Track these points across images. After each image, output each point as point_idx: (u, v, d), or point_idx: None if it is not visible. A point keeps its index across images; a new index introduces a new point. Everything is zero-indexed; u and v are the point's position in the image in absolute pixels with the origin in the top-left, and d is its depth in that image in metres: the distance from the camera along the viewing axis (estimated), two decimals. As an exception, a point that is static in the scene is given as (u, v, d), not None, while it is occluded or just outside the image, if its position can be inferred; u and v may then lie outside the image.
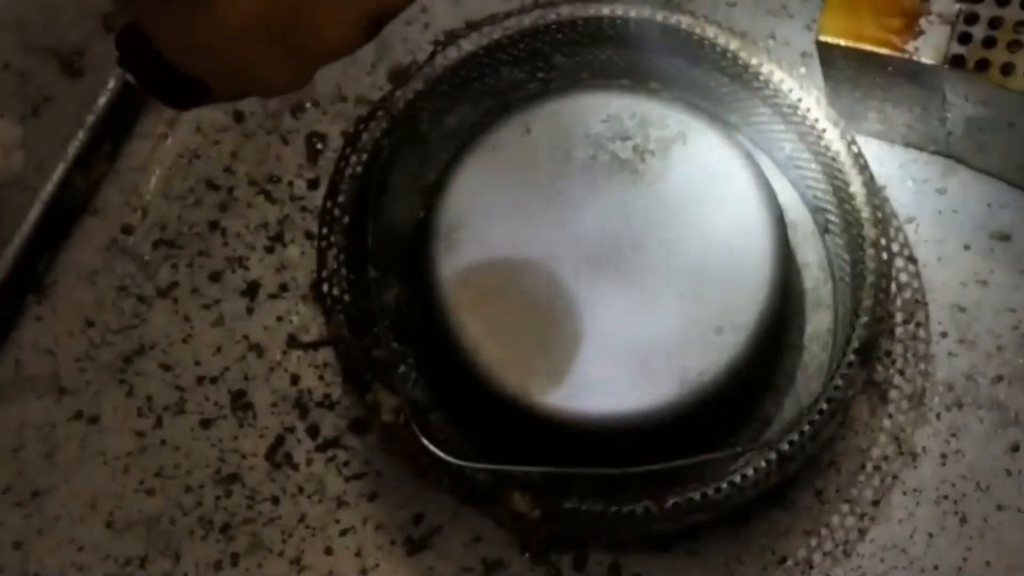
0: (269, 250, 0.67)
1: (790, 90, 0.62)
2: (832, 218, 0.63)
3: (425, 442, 0.56)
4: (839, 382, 0.57)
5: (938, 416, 0.62)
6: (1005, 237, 0.64)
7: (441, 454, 0.56)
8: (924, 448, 0.61)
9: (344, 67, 0.70)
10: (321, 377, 0.65)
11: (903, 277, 0.64)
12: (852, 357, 0.58)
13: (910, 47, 0.57)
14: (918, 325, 0.63)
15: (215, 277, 0.67)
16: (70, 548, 0.62)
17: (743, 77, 0.63)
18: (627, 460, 0.56)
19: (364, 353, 0.59)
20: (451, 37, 0.64)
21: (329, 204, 0.62)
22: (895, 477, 0.61)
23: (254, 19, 0.39)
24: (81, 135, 0.68)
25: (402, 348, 0.62)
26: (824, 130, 0.61)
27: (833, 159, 0.61)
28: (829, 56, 0.60)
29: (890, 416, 0.62)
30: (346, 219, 0.62)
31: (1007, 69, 0.55)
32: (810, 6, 0.70)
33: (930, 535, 0.60)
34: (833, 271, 0.63)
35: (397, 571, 0.61)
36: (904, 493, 0.61)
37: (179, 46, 0.40)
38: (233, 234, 0.68)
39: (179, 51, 0.40)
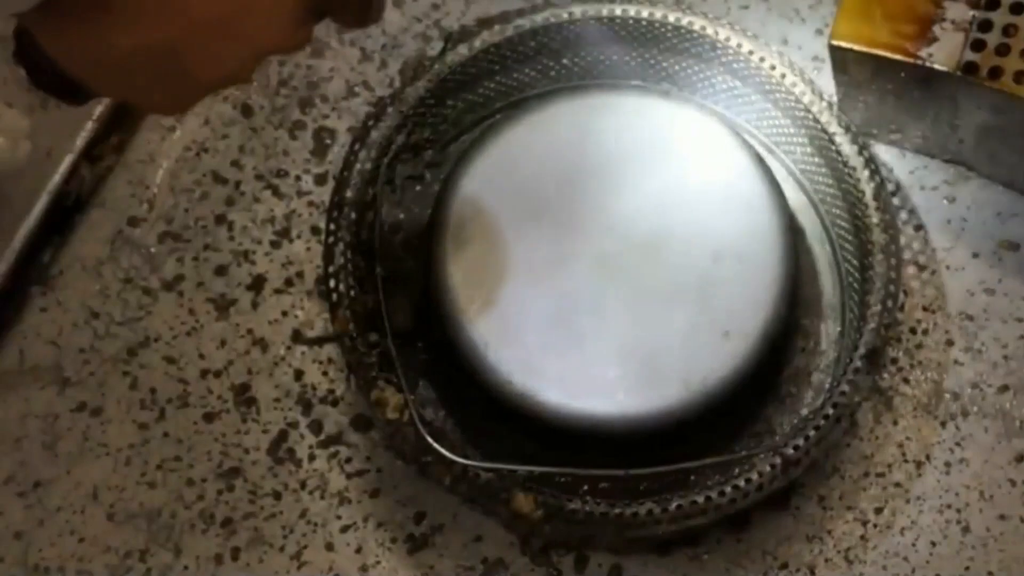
0: (275, 245, 0.67)
1: (802, 94, 0.62)
2: (841, 223, 0.62)
3: (429, 440, 0.56)
4: (845, 388, 0.57)
5: (943, 424, 0.62)
6: (1014, 246, 0.64)
7: (445, 452, 0.56)
8: (928, 456, 0.61)
9: (354, 63, 0.70)
10: (325, 373, 0.64)
11: (911, 284, 0.63)
12: (859, 363, 0.57)
13: (923, 53, 0.57)
14: (925, 333, 0.63)
15: (221, 271, 0.67)
16: (71, 539, 0.62)
17: (755, 80, 0.63)
18: (632, 462, 0.56)
19: (369, 350, 0.59)
20: (462, 34, 0.64)
21: (337, 199, 0.62)
22: (899, 485, 0.61)
23: (138, 47, 0.41)
24: (89, 127, 0.68)
25: (408, 346, 0.62)
26: (835, 135, 0.61)
27: (844, 164, 0.61)
28: (842, 61, 0.60)
29: (895, 423, 0.62)
30: (353, 215, 0.62)
31: (1020, 77, 0.55)
32: (822, 11, 0.69)
33: (933, 544, 0.60)
34: (841, 276, 0.63)
35: (397, 569, 0.61)
36: (907, 501, 0.60)
37: (65, 55, 0.41)
38: (239, 228, 0.67)
39: (65, 59, 0.42)
